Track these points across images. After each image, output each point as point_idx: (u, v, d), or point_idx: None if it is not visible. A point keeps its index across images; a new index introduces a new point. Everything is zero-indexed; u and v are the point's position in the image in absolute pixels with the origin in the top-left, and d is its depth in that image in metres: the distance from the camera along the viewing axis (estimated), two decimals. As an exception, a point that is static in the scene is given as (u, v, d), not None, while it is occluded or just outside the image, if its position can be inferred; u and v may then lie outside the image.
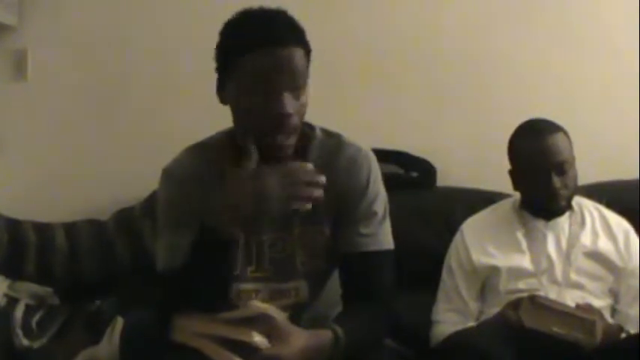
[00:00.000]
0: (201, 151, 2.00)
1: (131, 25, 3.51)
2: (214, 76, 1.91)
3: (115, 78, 3.51)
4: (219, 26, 1.89)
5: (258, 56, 1.75)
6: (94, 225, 3.18)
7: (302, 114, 1.84)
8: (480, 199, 2.84)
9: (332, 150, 1.95)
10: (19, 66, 3.59)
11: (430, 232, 2.85)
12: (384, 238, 1.96)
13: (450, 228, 2.68)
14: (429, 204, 2.97)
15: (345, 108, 3.17)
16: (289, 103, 1.77)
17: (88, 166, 3.49)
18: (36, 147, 3.56)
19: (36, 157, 3.55)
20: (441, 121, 3.25)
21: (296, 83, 1.78)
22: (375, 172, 1.97)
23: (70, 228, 3.14)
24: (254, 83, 1.77)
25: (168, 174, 1.99)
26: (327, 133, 1.99)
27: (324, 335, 1.74)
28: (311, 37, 1.84)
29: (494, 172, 2.74)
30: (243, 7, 1.85)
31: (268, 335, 1.65)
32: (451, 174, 3.15)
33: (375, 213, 1.95)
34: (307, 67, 1.82)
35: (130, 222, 3.14)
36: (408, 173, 3.09)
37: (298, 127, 1.83)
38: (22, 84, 3.59)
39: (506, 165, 2.57)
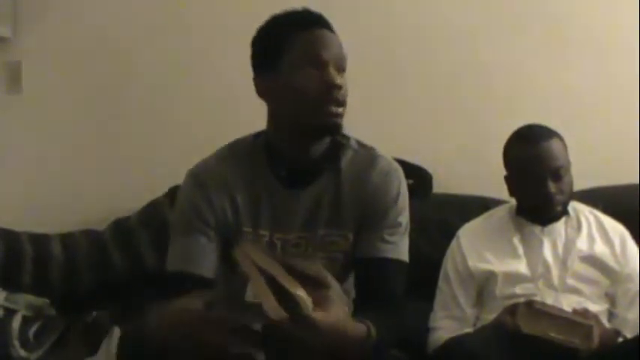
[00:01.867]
0: (229, 154, 2.07)
1: (125, 35, 3.51)
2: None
3: (110, 89, 3.52)
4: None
5: (313, 34, 1.93)
6: (90, 235, 3.18)
7: (346, 94, 1.93)
8: (475, 206, 2.85)
9: (365, 161, 2.04)
10: (13, 78, 3.59)
11: (426, 239, 2.85)
12: (403, 249, 2.03)
13: (446, 235, 2.68)
14: (425, 211, 2.95)
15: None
16: (337, 76, 1.90)
17: (83, 177, 3.49)
18: (31, 158, 3.56)
19: (31, 169, 3.55)
20: (437, 128, 3.26)
21: (341, 62, 1.94)
22: (404, 186, 2.07)
23: (67, 238, 3.14)
24: (308, 58, 1.90)
25: (192, 176, 2.05)
26: (361, 145, 2.08)
27: (360, 327, 1.76)
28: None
29: (490, 179, 2.75)
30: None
31: (315, 300, 1.63)
32: (447, 181, 3.15)
33: (400, 224, 2.03)
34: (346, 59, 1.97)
35: (127, 232, 3.14)
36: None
37: (345, 102, 1.92)
38: (17, 96, 3.59)
39: (502, 171, 2.57)
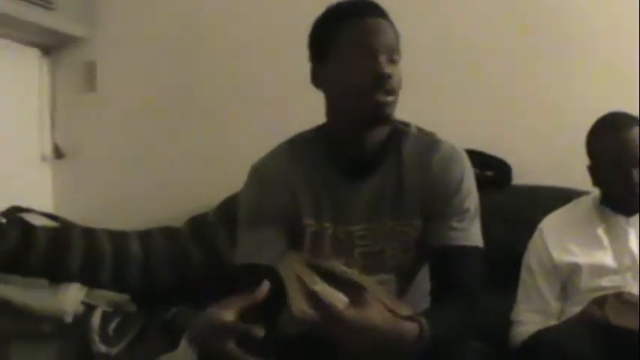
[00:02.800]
0: (289, 148, 2.08)
1: (198, 36, 3.54)
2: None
3: (183, 87, 3.55)
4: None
5: (365, 22, 1.92)
6: (167, 232, 3.21)
7: (398, 82, 1.91)
8: (557, 197, 2.78)
9: (426, 147, 1.99)
10: (88, 77, 3.65)
11: (507, 231, 2.80)
12: (475, 234, 1.97)
13: (527, 227, 2.62)
14: (505, 203, 2.91)
15: (417, 108, 3.13)
16: (387, 65, 1.88)
17: (159, 174, 3.54)
18: (107, 157, 3.61)
19: (107, 167, 3.62)
20: (515, 118, 3.19)
21: (391, 52, 1.91)
22: (469, 170, 2.01)
23: (145, 236, 3.17)
24: (357, 46, 1.89)
25: (254, 171, 2.07)
26: (422, 131, 2.04)
27: (409, 326, 1.70)
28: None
29: (571, 169, 2.69)
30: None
31: (353, 301, 1.64)
32: (527, 172, 3.09)
33: (468, 209, 1.97)
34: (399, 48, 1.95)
35: (204, 228, 3.16)
36: (483, 172, 3.03)
37: (396, 90, 1.90)
38: (92, 95, 3.65)
39: (583, 161, 2.51)
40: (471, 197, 1.99)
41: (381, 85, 1.87)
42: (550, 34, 3.19)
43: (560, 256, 2.43)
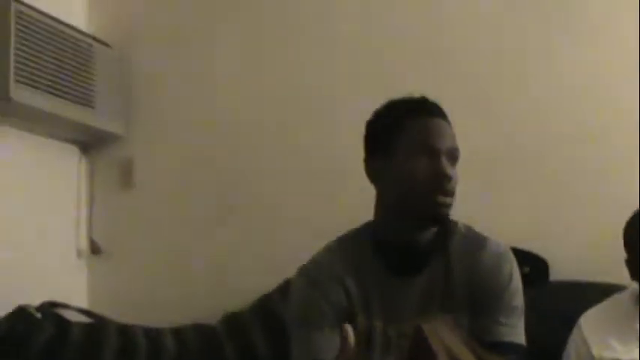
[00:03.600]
0: (337, 247, 2.09)
1: (235, 134, 3.60)
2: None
3: (219, 185, 3.59)
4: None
5: (429, 122, 1.96)
6: (201, 329, 3.21)
7: (455, 184, 1.95)
8: (594, 292, 2.75)
9: (474, 244, 2.02)
10: (125, 174, 3.69)
11: (545, 328, 2.74)
12: (521, 333, 1.99)
13: (566, 323, 2.59)
14: (542, 300, 2.88)
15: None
16: (448, 166, 1.92)
17: (194, 271, 3.55)
18: (143, 253, 3.63)
19: (143, 263, 3.64)
20: (550, 214, 3.17)
21: (453, 153, 1.96)
22: (517, 271, 2.04)
23: (179, 332, 3.17)
24: (421, 145, 1.93)
25: (305, 274, 2.07)
26: (469, 228, 2.07)
27: None
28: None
29: (609, 263, 2.67)
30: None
31: None
32: (564, 268, 3.06)
33: (516, 307, 1.99)
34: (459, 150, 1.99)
35: (240, 325, 3.15)
36: (520, 269, 3.01)
37: (454, 192, 1.94)
38: (129, 192, 3.69)
39: (620, 255, 2.49)
40: (519, 296, 2.01)
41: (442, 185, 1.90)
42: (582, 130, 3.20)
43: (601, 352, 2.39)
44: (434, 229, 1.99)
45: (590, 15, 3.23)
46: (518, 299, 2.00)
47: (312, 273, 2.05)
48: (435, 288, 1.97)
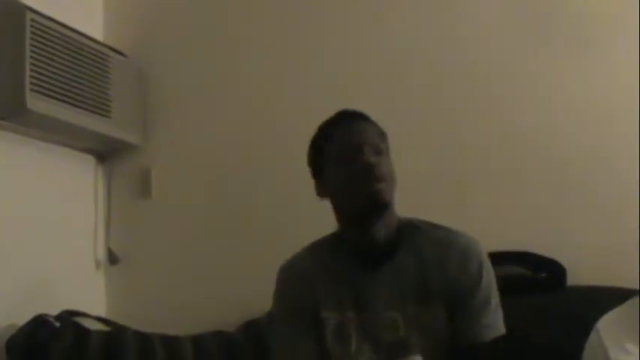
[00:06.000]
0: (310, 248, 2.33)
1: (253, 142, 3.60)
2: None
3: (237, 195, 3.59)
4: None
5: (346, 127, 2.15)
6: (220, 337, 3.21)
7: (389, 170, 2.12)
8: (612, 297, 2.72)
9: (443, 242, 2.14)
10: (143, 183, 3.71)
11: (564, 333, 2.74)
12: (500, 323, 2.11)
13: (583, 328, 2.57)
14: (560, 304, 2.87)
15: (465, 210, 3.14)
16: (371, 156, 2.08)
17: (213, 280, 3.55)
18: (161, 262, 3.64)
19: (160, 273, 3.64)
20: (567, 219, 3.16)
21: (377, 146, 2.12)
22: (485, 259, 2.15)
23: (197, 340, 3.17)
24: (344, 150, 2.12)
25: (280, 271, 2.34)
26: (435, 225, 2.20)
27: None
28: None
29: (626, 268, 2.69)
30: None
31: None
32: (581, 273, 3.04)
33: (491, 301, 2.10)
34: (385, 142, 2.19)
35: (259, 332, 3.14)
36: (536, 274, 3.01)
37: (387, 176, 2.10)
38: (147, 201, 3.70)
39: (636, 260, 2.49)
40: (491, 287, 2.14)
41: (370, 174, 2.05)
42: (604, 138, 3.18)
43: (618, 356, 2.38)
44: (392, 223, 2.14)
45: (590, 34, 3.21)
46: (492, 292, 2.12)
47: (286, 271, 2.32)
48: (404, 277, 2.10)
